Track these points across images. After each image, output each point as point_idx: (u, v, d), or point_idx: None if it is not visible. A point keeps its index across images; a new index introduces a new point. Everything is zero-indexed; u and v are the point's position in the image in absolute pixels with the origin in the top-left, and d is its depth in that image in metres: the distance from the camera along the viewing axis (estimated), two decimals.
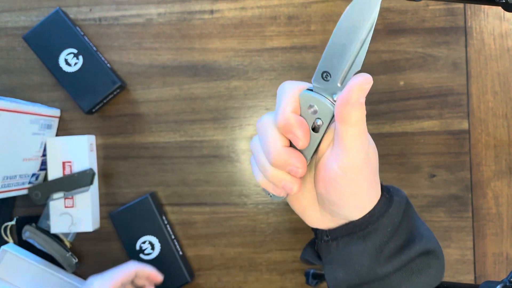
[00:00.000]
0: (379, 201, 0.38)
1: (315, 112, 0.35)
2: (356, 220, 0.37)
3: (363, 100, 0.33)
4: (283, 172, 0.37)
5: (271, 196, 0.40)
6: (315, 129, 0.35)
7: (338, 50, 0.32)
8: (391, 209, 0.37)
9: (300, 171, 0.36)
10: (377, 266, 0.36)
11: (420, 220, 0.40)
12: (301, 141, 0.35)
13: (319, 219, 0.40)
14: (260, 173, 0.38)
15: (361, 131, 0.34)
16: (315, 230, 0.41)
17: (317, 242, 0.40)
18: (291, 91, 0.36)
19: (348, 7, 0.31)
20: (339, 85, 0.34)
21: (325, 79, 0.34)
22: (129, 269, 0.57)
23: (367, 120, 0.66)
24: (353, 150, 0.34)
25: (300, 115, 0.35)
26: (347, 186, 0.35)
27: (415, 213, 0.40)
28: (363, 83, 0.32)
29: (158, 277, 0.59)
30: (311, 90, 0.35)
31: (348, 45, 0.32)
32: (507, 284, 0.43)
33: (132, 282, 0.59)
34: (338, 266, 0.38)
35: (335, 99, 0.34)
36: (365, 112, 0.34)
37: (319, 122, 0.35)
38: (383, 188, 0.39)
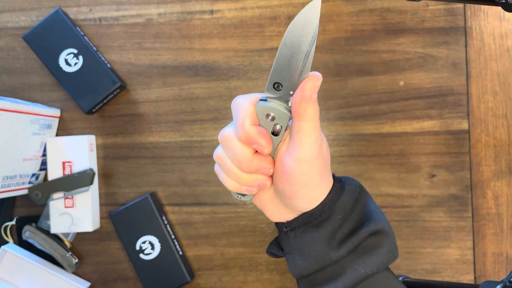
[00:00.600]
0: (330, 191, 0.41)
1: (273, 119, 0.39)
2: (310, 211, 0.40)
3: (315, 96, 0.37)
4: (256, 174, 0.40)
5: (240, 197, 0.44)
6: (274, 133, 0.39)
7: (285, 63, 0.36)
8: (342, 198, 0.41)
9: (271, 170, 0.40)
10: (330, 251, 0.39)
11: (375, 206, 0.42)
12: (266, 149, 0.38)
13: (278, 213, 0.42)
14: (230, 180, 0.41)
15: (315, 126, 0.38)
16: (277, 224, 0.44)
17: (279, 235, 0.43)
18: (246, 105, 0.39)
19: (290, 25, 0.35)
20: (291, 92, 0.38)
21: (277, 89, 0.38)
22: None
23: (366, 120, 0.67)
24: (308, 143, 0.37)
25: (259, 125, 0.39)
26: (301, 178, 0.38)
27: (370, 200, 0.43)
28: (314, 80, 0.36)
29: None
30: (265, 100, 0.39)
31: (294, 58, 0.36)
32: (507, 284, 0.43)
33: None
34: (297, 254, 0.41)
35: (289, 105, 0.38)
36: (318, 108, 0.37)
37: (278, 127, 0.39)
38: (336, 178, 0.42)
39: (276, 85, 0.37)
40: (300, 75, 0.36)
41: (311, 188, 0.39)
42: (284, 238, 0.42)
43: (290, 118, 0.39)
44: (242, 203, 0.66)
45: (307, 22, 0.35)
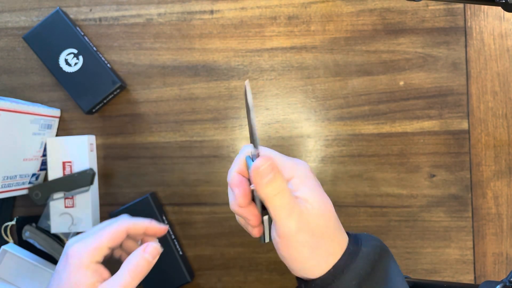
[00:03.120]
0: (341, 257, 0.38)
1: None
2: (322, 276, 0.38)
3: (269, 177, 0.37)
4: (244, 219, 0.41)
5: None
6: None
7: (249, 128, 0.38)
8: (354, 263, 0.38)
9: (251, 221, 0.40)
10: None
11: (397, 272, 0.40)
12: (238, 199, 0.39)
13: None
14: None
15: (282, 203, 0.37)
16: (297, 279, 0.42)
17: None
18: (239, 155, 0.41)
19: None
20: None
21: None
22: (118, 229, 0.44)
23: (366, 120, 0.66)
24: (281, 219, 0.37)
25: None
26: (286, 252, 0.38)
27: (392, 265, 0.40)
28: (257, 167, 0.37)
29: (159, 229, 0.47)
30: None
31: (249, 125, 0.38)
32: (507, 284, 0.43)
33: (128, 236, 0.47)
34: None
35: None
36: (279, 184, 0.37)
37: None
38: (352, 239, 0.40)
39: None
40: (253, 142, 0.38)
41: (300, 263, 0.38)
42: None
43: None
44: None
45: (245, 94, 0.37)
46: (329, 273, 0.38)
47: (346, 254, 0.38)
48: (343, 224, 0.65)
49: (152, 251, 0.43)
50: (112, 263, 0.45)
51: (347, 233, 0.41)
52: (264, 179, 0.37)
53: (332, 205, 0.40)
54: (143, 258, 0.43)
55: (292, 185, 0.40)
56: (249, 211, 0.40)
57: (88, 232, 0.45)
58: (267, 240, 0.42)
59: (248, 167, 0.40)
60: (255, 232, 0.41)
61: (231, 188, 0.40)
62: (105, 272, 0.43)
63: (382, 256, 0.39)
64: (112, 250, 0.45)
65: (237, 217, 0.43)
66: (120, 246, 0.47)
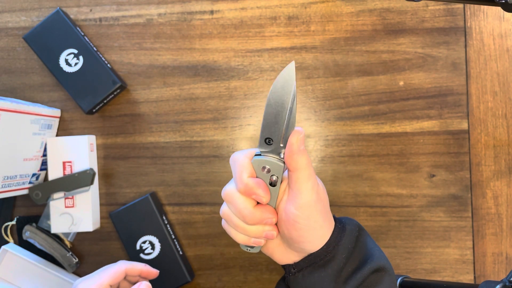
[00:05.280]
0: (333, 232, 0.43)
1: (268, 171, 0.42)
2: (316, 252, 0.43)
3: (303, 147, 0.41)
4: (261, 225, 0.43)
5: (249, 249, 0.46)
6: (271, 184, 0.42)
7: (272, 119, 0.41)
8: (344, 238, 0.43)
9: (274, 220, 0.43)
10: None
11: (373, 243, 0.46)
12: (264, 198, 0.42)
13: (285, 256, 0.45)
14: (239, 234, 0.44)
15: (310, 173, 0.41)
16: (284, 266, 0.46)
17: (287, 276, 0.46)
18: (242, 160, 0.42)
19: (272, 86, 0.40)
20: (281, 145, 0.41)
21: (269, 143, 0.42)
22: (118, 269, 0.53)
23: (366, 120, 0.67)
24: (306, 190, 0.41)
25: (257, 177, 0.42)
26: (305, 222, 0.41)
27: (368, 238, 0.46)
28: (297, 135, 0.40)
29: (152, 272, 0.55)
30: (259, 154, 0.42)
31: (280, 115, 0.41)
32: (507, 284, 0.43)
33: (125, 278, 0.55)
34: None
35: (282, 157, 0.42)
36: (309, 157, 0.41)
37: (274, 178, 0.42)
38: (336, 219, 0.45)
39: (267, 140, 0.41)
40: (287, 129, 0.41)
41: (316, 230, 0.42)
42: (293, 279, 0.44)
43: (285, 169, 0.42)
44: None
45: (286, 82, 0.40)
46: (325, 247, 0.43)
47: (336, 230, 0.44)
48: None
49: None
50: None
51: None
52: (302, 146, 0.40)
53: None
54: None
55: None
56: (270, 210, 0.43)
57: (93, 273, 0.52)
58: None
59: (256, 170, 0.42)
60: (275, 233, 0.43)
61: (252, 190, 0.41)
62: None
63: (360, 233, 0.45)
64: (114, 286, 0.53)
65: (242, 238, 0.44)
66: (118, 287, 0.54)
